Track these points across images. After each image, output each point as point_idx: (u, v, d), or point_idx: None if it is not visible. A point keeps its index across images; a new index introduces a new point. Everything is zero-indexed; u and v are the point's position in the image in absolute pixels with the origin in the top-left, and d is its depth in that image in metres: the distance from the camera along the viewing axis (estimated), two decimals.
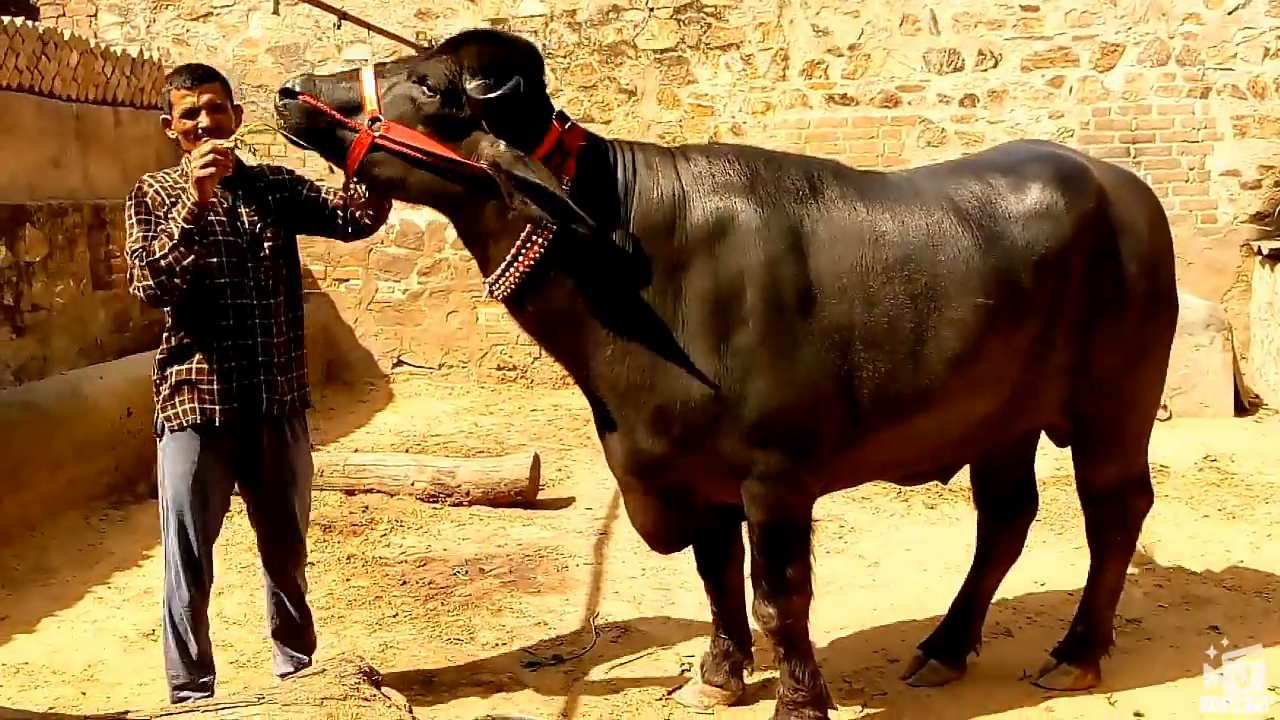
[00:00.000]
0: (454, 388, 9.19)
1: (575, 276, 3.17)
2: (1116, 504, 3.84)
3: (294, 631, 3.80)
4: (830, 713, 3.48)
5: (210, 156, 3.21)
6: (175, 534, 3.51)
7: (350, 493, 6.13)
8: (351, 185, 3.38)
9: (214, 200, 3.39)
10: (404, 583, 4.99)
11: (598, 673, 4.06)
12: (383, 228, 3.53)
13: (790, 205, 3.26)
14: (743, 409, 3.17)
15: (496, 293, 3.22)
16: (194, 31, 9.51)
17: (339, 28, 8.48)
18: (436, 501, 6.05)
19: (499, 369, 9.30)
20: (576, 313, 3.21)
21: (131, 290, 3.35)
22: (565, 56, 9.05)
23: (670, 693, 3.85)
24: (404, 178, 3.17)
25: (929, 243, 3.32)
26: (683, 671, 4.04)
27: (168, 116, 3.52)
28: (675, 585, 4.80)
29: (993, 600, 4.12)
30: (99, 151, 7.59)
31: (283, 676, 3.64)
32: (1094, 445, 3.78)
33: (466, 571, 5.13)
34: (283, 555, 3.74)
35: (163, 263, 3.24)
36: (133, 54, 8.23)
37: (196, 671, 3.57)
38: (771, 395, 3.16)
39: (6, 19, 6.81)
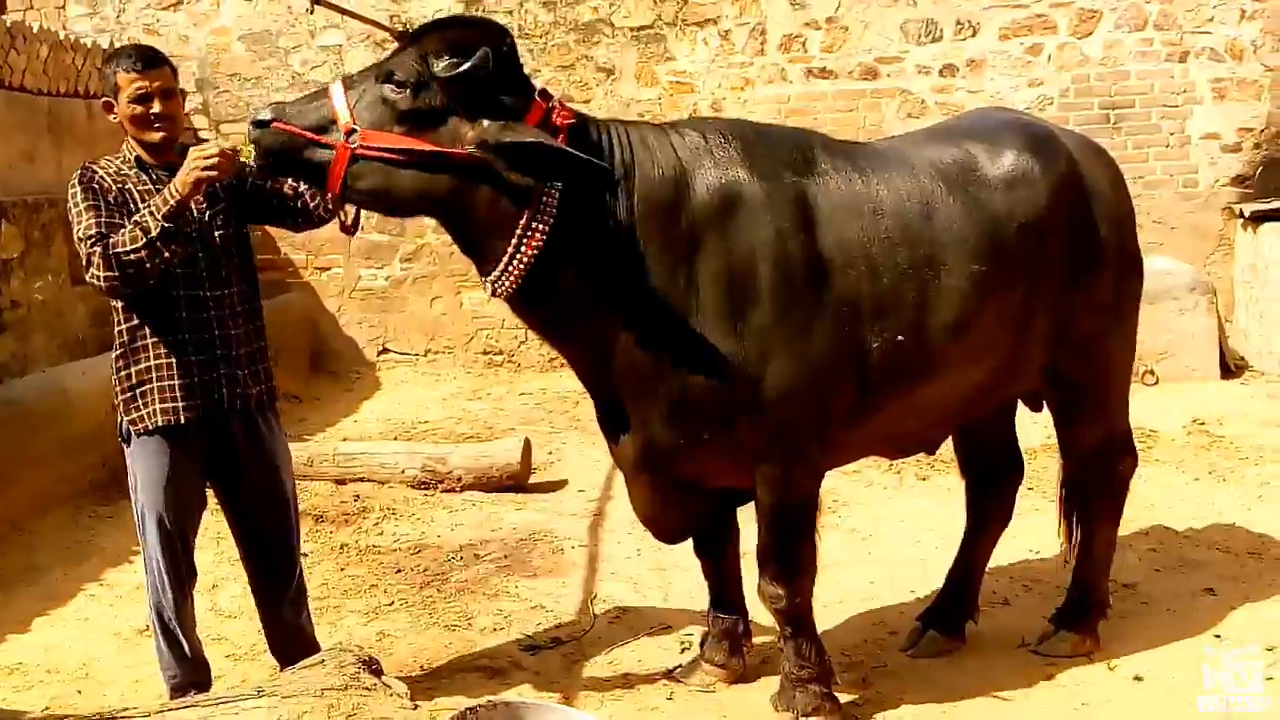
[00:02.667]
0: (440, 374, 9.13)
1: (582, 264, 3.07)
2: (1102, 467, 3.87)
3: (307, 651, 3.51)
4: (834, 688, 3.48)
5: (216, 160, 3.08)
6: (157, 540, 3.41)
7: (341, 482, 6.09)
8: (339, 208, 3.27)
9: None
10: (399, 571, 4.97)
11: (598, 655, 4.05)
12: (362, 215, 3.39)
13: (790, 177, 3.22)
14: (761, 391, 3.13)
15: (500, 290, 3.07)
16: (165, 21, 9.37)
17: (311, 12, 8.38)
18: (428, 488, 6.02)
19: (485, 354, 9.24)
20: (588, 303, 3.11)
21: (88, 277, 3.17)
22: (541, 36, 8.96)
23: (671, 672, 3.85)
24: (390, 185, 3.00)
25: (924, 211, 3.31)
26: (683, 651, 4.04)
27: (110, 100, 3.36)
28: (671, 565, 4.79)
29: (989, 569, 4.14)
30: (73, 145, 7.46)
31: None
32: (1077, 409, 3.80)
33: (461, 557, 5.11)
34: (276, 554, 3.58)
35: (132, 257, 3.09)
36: (103, 45, 8.10)
37: (193, 670, 3.52)
38: (789, 375, 3.13)
39: None
